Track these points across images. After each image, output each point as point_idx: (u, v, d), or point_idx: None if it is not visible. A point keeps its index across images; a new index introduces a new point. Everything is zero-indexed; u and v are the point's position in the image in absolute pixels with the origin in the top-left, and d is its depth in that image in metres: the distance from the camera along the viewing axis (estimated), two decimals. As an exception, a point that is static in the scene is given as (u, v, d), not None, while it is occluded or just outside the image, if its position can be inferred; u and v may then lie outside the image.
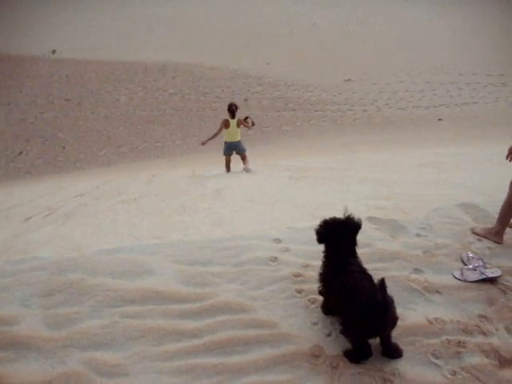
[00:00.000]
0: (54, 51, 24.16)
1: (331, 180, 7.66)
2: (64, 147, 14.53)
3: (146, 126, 15.82)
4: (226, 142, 9.40)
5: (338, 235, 2.88)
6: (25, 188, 10.85)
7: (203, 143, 9.80)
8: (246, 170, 9.22)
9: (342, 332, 2.70)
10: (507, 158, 3.73)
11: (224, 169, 9.70)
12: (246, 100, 17.51)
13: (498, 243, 3.90)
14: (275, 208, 5.52)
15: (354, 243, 2.93)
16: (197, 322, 2.99)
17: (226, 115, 9.31)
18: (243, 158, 9.58)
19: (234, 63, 21.57)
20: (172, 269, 3.52)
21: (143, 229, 5.11)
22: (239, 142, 9.37)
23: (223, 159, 9.65)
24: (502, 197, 3.94)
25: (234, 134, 9.26)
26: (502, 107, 16.00)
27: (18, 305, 3.20)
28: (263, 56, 22.87)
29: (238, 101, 17.40)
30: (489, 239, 3.94)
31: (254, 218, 5.03)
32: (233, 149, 9.44)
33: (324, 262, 2.95)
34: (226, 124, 9.20)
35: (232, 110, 9.14)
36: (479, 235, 4.01)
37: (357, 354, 2.67)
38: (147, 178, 9.85)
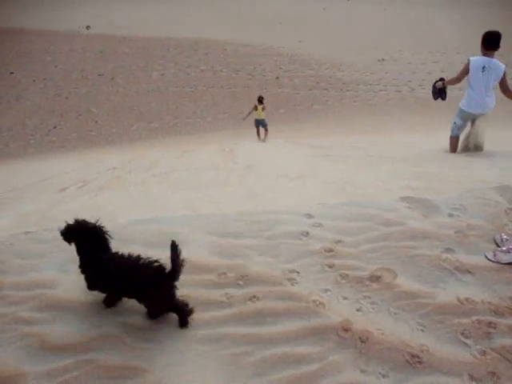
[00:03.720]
0: (88, 27, 24.38)
1: (357, 159, 7.62)
2: (97, 122, 14.76)
3: (178, 102, 15.90)
4: (255, 119, 13.52)
5: (80, 236, 2.87)
6: (59, 161, 11.10)
7: (244, 119, 13.82)
8: (263, 141, 13.05)
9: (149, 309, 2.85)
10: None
11: (256, 137, 13.59)
12: (277, 78, 17.39)
13: None
14: (305, 184, 5.53)
15: (98, 242, 2.91)
16: (228, 293, 3.06)
17: (257, 92, 13.98)
18: (265, 131, 13.55)
19: (267, 41, 21.37)
20: (204, 240, 3.59)
21: (175, 201, 5.19)
22: (263, 119, 13.42)
23: (251, 135, 13.40)
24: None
25: (260, 114, 13.34)
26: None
27: (56, 270, 3.33)
28: (296, 34, 22.58)
29: (270, 78, 17.37)
30: None
31: (285, 193, 5.06)
32: (259, 124, 13.50)
33: (79, 260, 2.93)
34: (255, 107, 13.35)
35: (260, 99, 13.37)
36: None
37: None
38: (178, 154, 9.95)
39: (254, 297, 3.01)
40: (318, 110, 14.97)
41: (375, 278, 3.17)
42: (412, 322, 2.83)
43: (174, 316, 2.87)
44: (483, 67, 6.28)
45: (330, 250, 3.46)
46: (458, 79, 6.75)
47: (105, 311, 2.92)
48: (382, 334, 2.72)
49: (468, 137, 7.07)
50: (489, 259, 3.39)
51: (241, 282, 3.15)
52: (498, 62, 6.25)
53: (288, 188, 5.36)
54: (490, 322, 2.80)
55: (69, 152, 12.57)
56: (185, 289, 3.09)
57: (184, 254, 3.41)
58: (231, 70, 18.12)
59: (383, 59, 19.15)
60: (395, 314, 2.89)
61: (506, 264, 3.31)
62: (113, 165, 9.30)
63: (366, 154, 7.93)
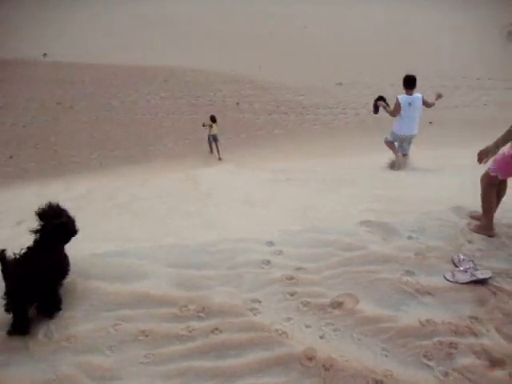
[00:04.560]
0: (45, 54, 24.05)
1: (318, 182, 7.70)
2: (56, 151, 14.43)
3: (138, 129, 15.74)
4: (210, 135, 13.86)
5: None
6: (16, 192, 10.77)
7: (203, 125, 14.07)
8: (219, 158, 13.51)
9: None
10: (478, 161, 3.85)
11: (211, 155, 14.07)
12: (237, 104, 17.50)
13: (491, 236, 4.05)
14: (267, 210, 5.53)
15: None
16: (190, 326, 2.99)
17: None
18: (217, 146, 13.85)
19: (227, 66, 21.57)
20: (165, 272, 3.52)
21: (136, 232, 5.10)
22: (216, 134, 13.80)
23: (212, 160, 13.46)
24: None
25: (214, 130, 13.74)
26: (491, 110, 16.11)
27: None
28: (255, 59, 22.88)
29: (230, 104, 17.48)
30: (482, 234, 4.09)
31: (246, 220, 5.04)
32: (214, 139, 13.81)
33: None
34: (211, 126, 13.82)
35: (213, 119, 13.87)
36: (474, 231, 4.15)
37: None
38: (140, 182, 9.82)
39: (217, 329, 2.95)
40: (278, 135, 15.09)
41: (337, 305, 3.16)
42: (375, 347, 2.83)
43: (136, 353, 2.79)
44: (409, 103, 7.97)
45: (292, 278, 3.45)
46: (393, 113, 8.27)
47: (62, 351, 2.81)
48: (346, 360, 2.71)
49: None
50: (448, 280, 3.44)
51: (202, 315, 3.09)
52: (417, 96, 8.07)
53: (249, 215, 5.33)
54: (451, 343, 2.83)
55: (25, 182, 12.20)
56: (146, 323, 3.02)
57: (144, 287, 3.35)
58: (191, 96, 18.14)
59: (341, 83, 19.56)
60: (358, 339, 2.88)
61: (464, 284, 3.37)
62: (73, 195, 9.09)
63: (326, 178, 8.02)
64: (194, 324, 3.01)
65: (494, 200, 4.11)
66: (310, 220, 4.72)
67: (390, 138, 8.53)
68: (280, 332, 2.91)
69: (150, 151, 14.25)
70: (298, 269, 3.56)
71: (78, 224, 3.25)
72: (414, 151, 8.70)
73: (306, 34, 29.56)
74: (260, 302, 3.20)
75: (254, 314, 3.08)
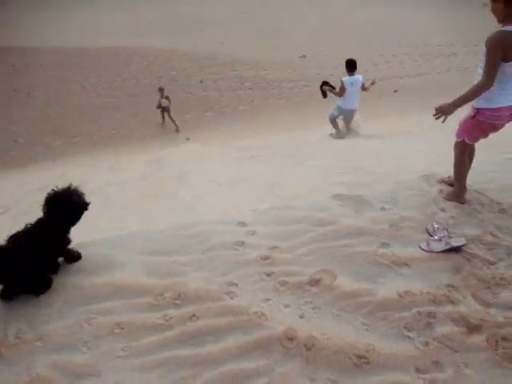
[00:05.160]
0: (-5, 39, 23.08)
1: (284, 157, 7.66)
2: (16, 140, 13.92)
3: (101, 113, 15.31)
4: (160, 106, 14.08)
5: None
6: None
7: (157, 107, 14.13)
8: (176, 130, 13.90)
9: None
10: (434, 115, 3.71)
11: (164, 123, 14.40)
12: (201, 81, 17.18)
13: (462, 203, 4.08)
14: (236, 190, 5.44)
15: None
16: (166, 314, 2.90)
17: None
18: (171, 117, 14.06)
19: (188, 45, 21.08)
20: (138, 261, 3.40)
21: (105, 220, 4.95)
22: (167, 106, 13.96)
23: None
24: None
25: (166, 102, 13.88)
26: (454, 76, 16.29)
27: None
28: (217, 37, 22.44)
29: (193, 82, 17.15)
30: (454, 201, 4.11)
31: (216, 201, 4.94)
32: (164, 109, 14.07)
33: None
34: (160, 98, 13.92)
35: (161, 90, 13.87)
36: (446, 199, 4.16)
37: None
38: (107, 167, 9.59)
39: (194, 315, 2.87)
40: (244, 111, 14.91)
41: (315, 282, 3.12)
42: (356, 322, 2.81)
43: (113, 346, 2.69)
44: (351, 83, 9.29)
45: (267, 258, 3.38)
46: (340, 94, 9.56)
47: (36, 351, 2.68)
48: (327, 338, 2.67)
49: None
50: (423, 249, 3.45)
51: (178, 302, 3.00)
52: (358, 77, 9.39)
53: (219, 196, 5.24)
54: (429, 313, 2.84)
55: (-14, 175, 11.73)
56: (121, 315, 2.91)
57: (117, 277, 3.23)
58: (154, 76, 17.69)
59: (304, 55, 19.41)
60: (338, 316, 2.86)
61: (439, 252, 3.38)
62: (37, 186, 8.80)
63: (292, 152, 7.98)
64: (171, 312, 2.92)
65: (466, 167, 4.11)
66: (279, 197, 4.65)
67: (336, 113, 9.89)
68: (259, 314, 2.85)
69: (115, 135, 13.89)
70: (273, 248, 3.49)
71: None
72: (378, 120, 8.97)
73: (267, 10, 29.16)
74: (236, 284, 3.13)
75: (231, 298, 3.01)
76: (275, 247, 3.50)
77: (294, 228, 3.73)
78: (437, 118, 3.68)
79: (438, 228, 3.62)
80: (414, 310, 2.86)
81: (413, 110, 12.42)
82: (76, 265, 3.35)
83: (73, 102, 16.25)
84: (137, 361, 2.62)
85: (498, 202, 4.08)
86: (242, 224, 3.85)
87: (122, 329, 2.82)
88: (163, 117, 14.18)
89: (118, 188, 6.96)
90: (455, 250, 3.38)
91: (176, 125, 13.94)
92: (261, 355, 2.60)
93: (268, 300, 2.99)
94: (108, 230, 4.25)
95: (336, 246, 3.47)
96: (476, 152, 4.20)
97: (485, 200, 4.11)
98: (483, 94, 3.57)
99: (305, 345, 2.63)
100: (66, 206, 3.06)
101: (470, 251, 3.39)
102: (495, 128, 3.83)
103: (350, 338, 2.68)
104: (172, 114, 14.00)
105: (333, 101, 10.09)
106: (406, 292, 3.00)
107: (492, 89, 3.52)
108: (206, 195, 5.30)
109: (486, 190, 4.26)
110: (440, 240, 3.45)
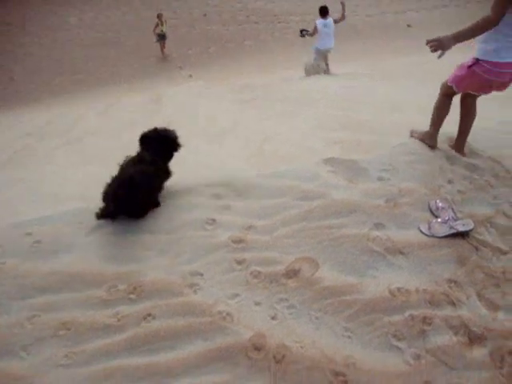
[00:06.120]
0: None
1: (282, 102, 7.09)
2: (12, 78, 13.27)
3: (101, 50, 14.51)
4: (159, 34, 14.20)
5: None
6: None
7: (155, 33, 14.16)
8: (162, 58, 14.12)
9: None
10: (427, 44, 3.26)
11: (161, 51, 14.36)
12: (205, 15, 16.17)
13: (433, 147, 3.91)
14: (222, 145, 4.90)
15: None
16: (119, 312, 2.49)
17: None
18: (164, 43, 14.28)
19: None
20: (93, 242, 2.96)
21: (72, 185, 4.45)
22: (165, 33, 14.24)
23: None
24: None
25: (163, 29, 14.05)
26: (473, 10, 15.15)
27: None
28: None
29: (196, 16, 16.19)
30: (424, 142, 3.95)
31: (196, 163, 4.38)
32: (162, 37, 14.27)
33: None
34: (160, 23, 14.07)
35: (159, 16, 14.04)
36: (417, 138, 4.03)
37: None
38: (103, 108, 9.06)
39: (149, 315, 2.46)
40: (249, 46, 14.06)
41: (293, 273, 2.66)
42: (337, 326, 2.39)
43: (55, 352, 2.29)
44: (324, 24, 10.50)
45: (240, 241, 2.90)
46: (313, 33, 10.77)
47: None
48: (301, 347, 2.27)
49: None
50: (423, 233, 2.96)
51: (133, 296, 2.57)
52: (330, 20, 10.60)
53: (202, 155, 4.69)
54: (424, 317, 2.40)
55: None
56: (68, 312, 2.51)
57: (67, 264, 2.79)
58: (155, 9, 16.62)
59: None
60: (317, 318, 2.43)
61: (442, 237, 2.89)
62: (28, 128, 8.33)
63: (291, 96, 7.40)
64: (124, 309, 2.50)
65: (445, 112, 3.84)
66: (267, 158, 4.12)
67: (316, 56, 10.85)
68: (224, 314, 2.43)
69: (115, 72, 13.20)
70: (248, 228, 3.00)
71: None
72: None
73: None
74: (202, 274, 2.68)
75: (194, 292, 2.57)
76: (251, 226, 3.02)
77: (274, 202, 3.22)
78: (433, 51, 3.21)
79: (442, 207, 3.10)
80: (407, 314, 2.42)
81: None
82: (20, 246, 2.92)
83: (71, 36, 15.41)
84: (81, 370, 2.23)
85: (515, 173, 3.54)
86: (217, 196, 3.34)
87: (68, 329, 2.42)
88: (163, 48, 13.59)
89: (101, 138, 6.52)
90: (461, 234, 2.89)
91: (163, 54, 14.02)
92: (223, 368, 2.21)
93: (236, 296, 2.55)
94: (71, 200, 3.79)
95: (322, 227, 2.98)
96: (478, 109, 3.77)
97: (500, 171, 3.57)
98: (488, 44, 3.22)
99: (274, 356, 2.22)
100: (169, 143, 3.52)
101: (479, 237, 2.90)
102: (491, 86, 3.43)
103: (328, 349, 2.26)
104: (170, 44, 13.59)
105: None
106: (398, 289, 2.55)
107: (499, 39, 3.16)
108: (190, 154, 4.72)
109: (503, 158, 3.70)
110: (444, 222, 2.95)
